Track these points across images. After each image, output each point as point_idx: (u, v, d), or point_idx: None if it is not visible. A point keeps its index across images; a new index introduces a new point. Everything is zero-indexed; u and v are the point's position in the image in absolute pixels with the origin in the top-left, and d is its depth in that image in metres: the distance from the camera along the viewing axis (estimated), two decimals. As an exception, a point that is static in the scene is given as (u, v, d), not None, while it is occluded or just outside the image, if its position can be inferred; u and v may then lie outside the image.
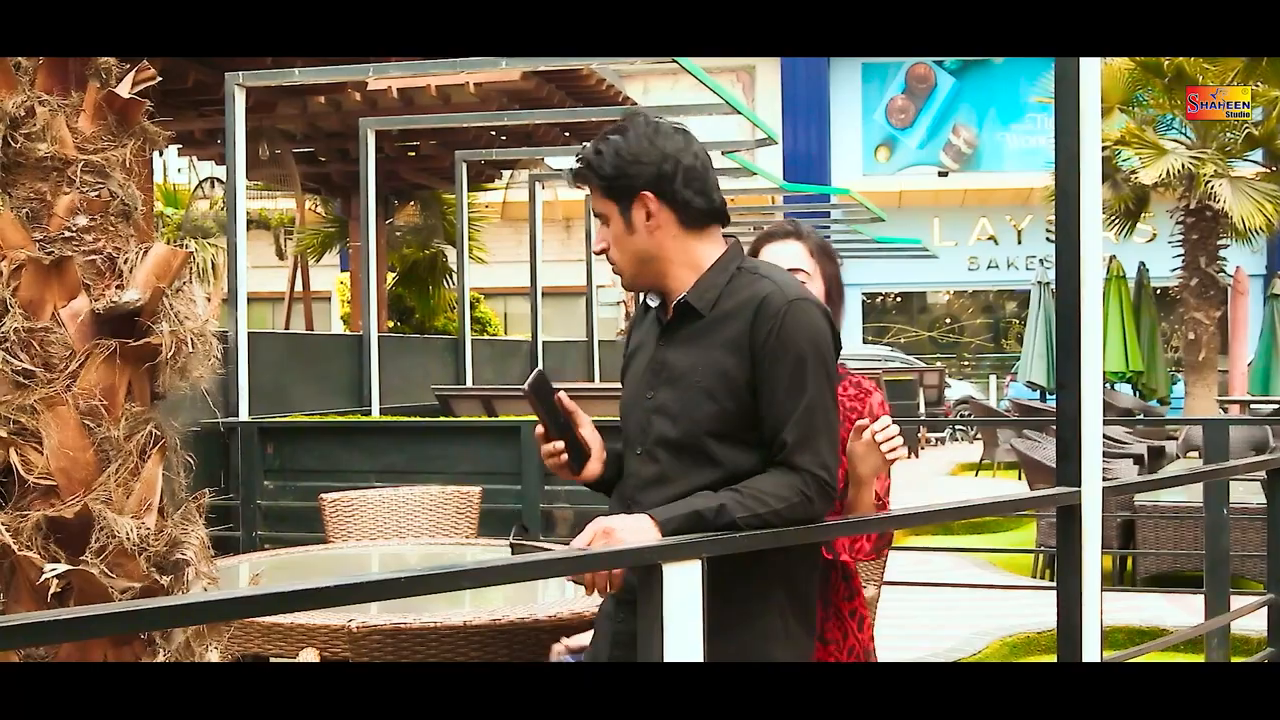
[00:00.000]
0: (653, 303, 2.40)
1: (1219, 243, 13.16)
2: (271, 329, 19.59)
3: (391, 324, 14.57)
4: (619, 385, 2.47)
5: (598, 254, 2.39)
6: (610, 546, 2.12)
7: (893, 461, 2.43)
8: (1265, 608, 3.61)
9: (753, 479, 2.20)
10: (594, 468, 2.40)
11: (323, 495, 4.65)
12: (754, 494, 2.17)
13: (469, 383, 9.67)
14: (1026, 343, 15.77)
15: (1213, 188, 12.22)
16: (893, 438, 2.40)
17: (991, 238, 26.82)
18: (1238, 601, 5.05)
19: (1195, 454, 11.98)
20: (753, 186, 13.59)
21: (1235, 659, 5.39)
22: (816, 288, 2.65)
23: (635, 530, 2.13)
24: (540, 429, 2.40)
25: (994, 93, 26.16)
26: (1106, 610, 2.69)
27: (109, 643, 2.13)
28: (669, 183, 2.27)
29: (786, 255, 2.67)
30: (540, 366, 2.43)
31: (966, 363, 27.19)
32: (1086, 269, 2.58)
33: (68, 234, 2.21)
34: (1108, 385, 15.03)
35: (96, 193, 2.24)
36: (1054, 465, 2.68)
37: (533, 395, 2.38)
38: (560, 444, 2.38)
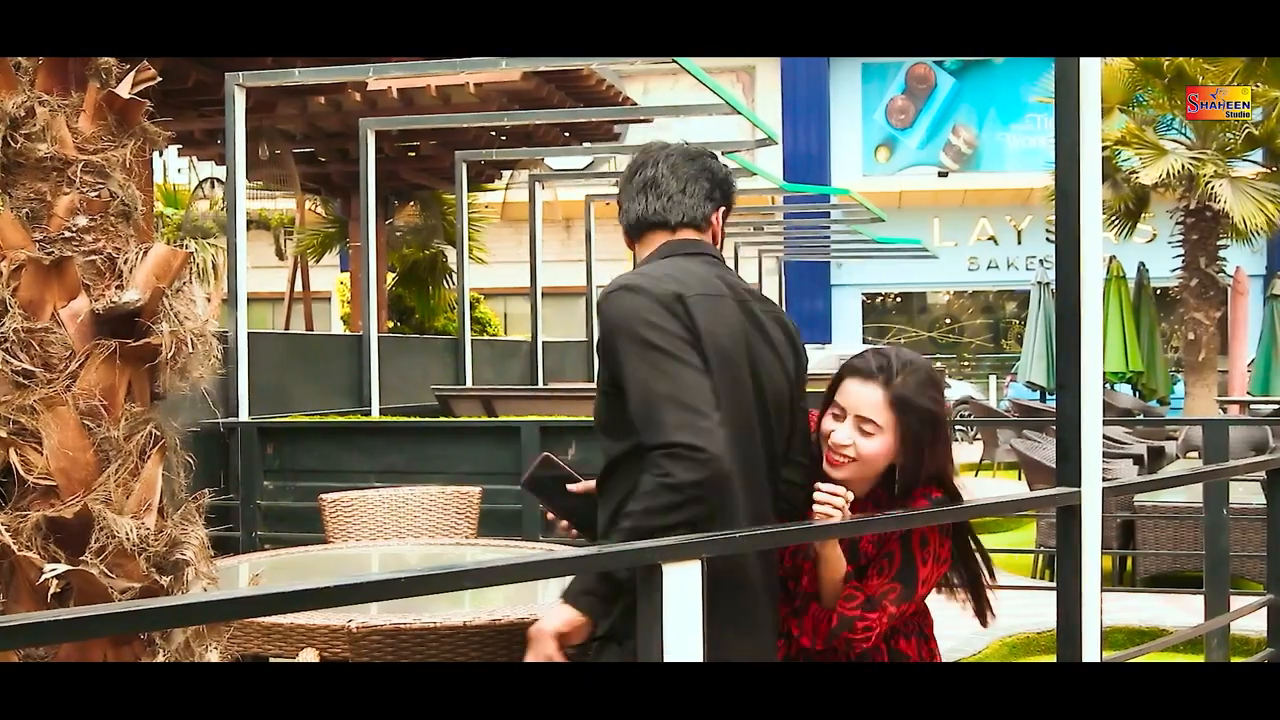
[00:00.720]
0: None
1: (1219, 243, 13.16)
2: (271, 329, 19.59)
3: (391, 324, 14.56)
4: None
5: None
6: (536, 640, 2.30)
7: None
8: (1265, 608, 3.61)
9: None
10: None
11: (323, 495, 4.65)
12: (626, 514, 2.24)
13: (469, 383, 9.66)
14: (1026, 343, 15.77)
15: (1213, 188, 12.22)
16: (829, 501, 2.39)
17: (991, 238, 26.81)
18: (1237, 602, 5.06)
19: (1195, 454, 11.99)
20: (752, 187, 13.58)
21: (1235, 659, 5.39)
22: (884, 441, 2.50)
23: (549, 617, 2.31)
24: (549, 515, 2.66)
25: (994, 93, 26.16)
26: (1106, 610, 2.69)
27: (109, 643, 2.13)
28: (619, 205, 2.59)
29: (862, 401, 2.51)
30: (542, 456, 2.63)
31: (966, 363, 27.18)
32: (1086, 269, 2.58)
33: (68, 234, 2.21)
34: (1107, 386, 15.02)
35: (96, 193, 2.24)
36: (1054, 465, 2.68)
37: (530, 491, 2.65)
38: (565, 523, 2.63)
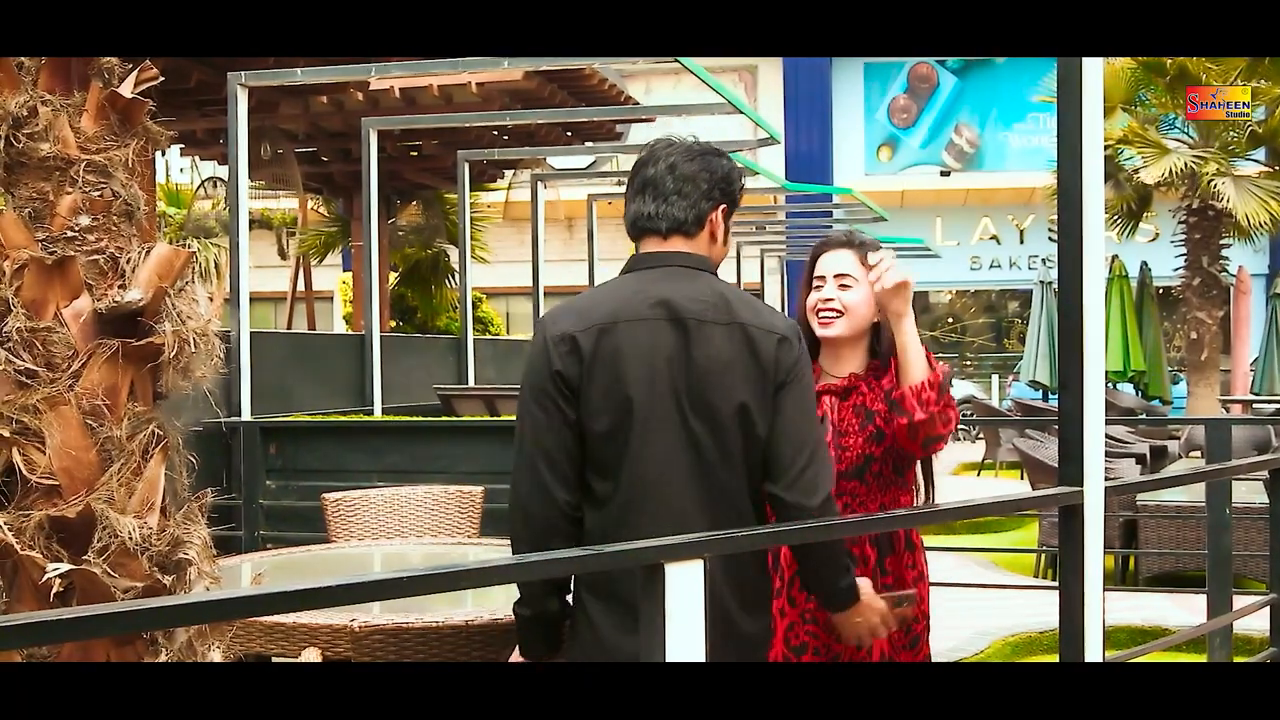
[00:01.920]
0: None
1: (1221, 242, 13.14)
2: (274, 329, 19.58)
3: (394, 324, 14.56)
4: None
5: None
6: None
7: (896, 289, 2.74)
8: (1268, 607, 3.61)
9: None
10: None
11: (325, 495, 4.65)
12: None
13: (471, 382, 9.66)
14: (1029, 342, 15.76)
15: (1215, 187, 12.20)
16: (884, 266, 2.76)
17: (994, 237, 26.79)
18: (1240, 601, 5.06)
19: (1197, 454, 11.98)
20: (755, 186, 13.57)
21: (1238, 659, 5.38)
22: (861, 291, 2.92)
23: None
24: None
25: (996, 92, 26.12)
26: (1109, 610, 2.69)
27: (111, 642, 2.13)
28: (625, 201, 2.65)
29: (837, 263, 2.97)
30: None
31: (969, 362, 27.15)
32: (1089, 268, 2.58)
33: (70, 234, 2.21)
34: (1110, 385, 15.02)
35: (99, 192, 2.24)
36: (1056, 465, 2.68)
37: None
38: None
